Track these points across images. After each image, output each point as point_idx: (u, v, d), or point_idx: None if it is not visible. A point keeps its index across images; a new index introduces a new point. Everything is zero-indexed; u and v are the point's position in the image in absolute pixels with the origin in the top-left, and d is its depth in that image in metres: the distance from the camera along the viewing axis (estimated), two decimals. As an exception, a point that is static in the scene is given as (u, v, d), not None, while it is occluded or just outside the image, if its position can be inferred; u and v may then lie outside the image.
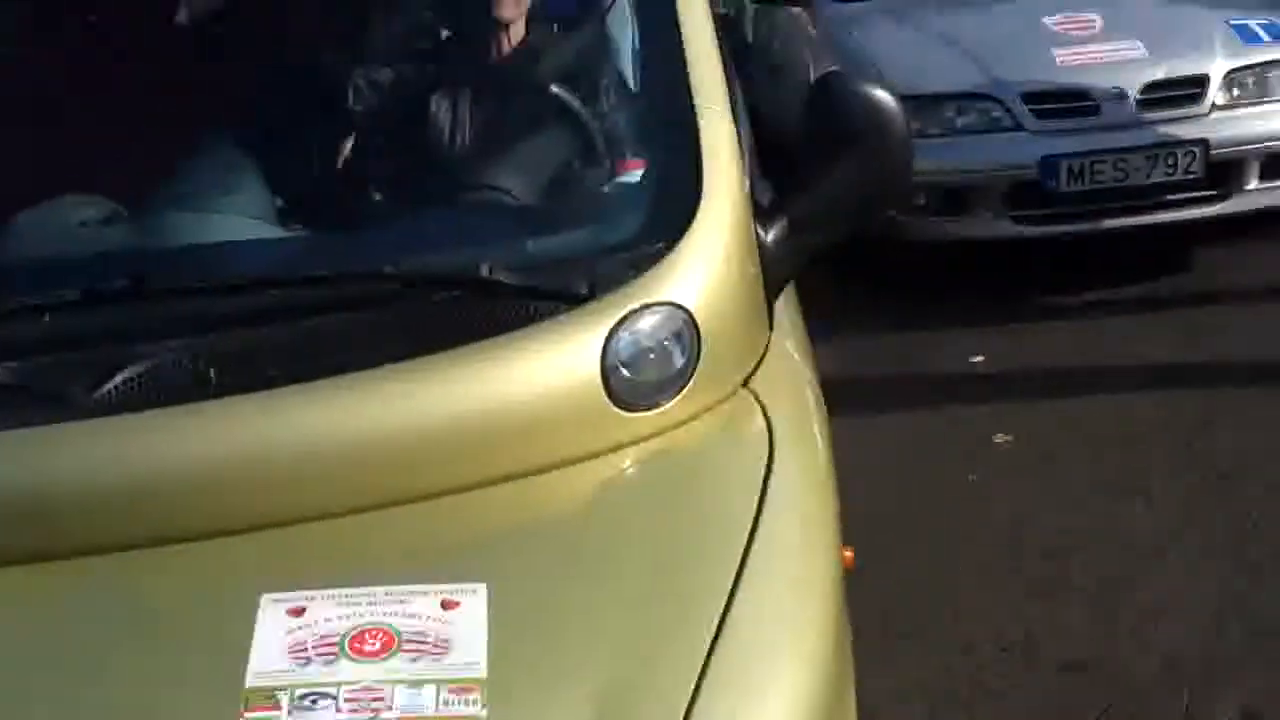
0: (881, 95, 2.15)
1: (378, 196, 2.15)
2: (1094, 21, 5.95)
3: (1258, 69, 5.73)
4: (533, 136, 2.18)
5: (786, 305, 2.31)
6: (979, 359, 5.22)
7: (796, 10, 6.92)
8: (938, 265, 5.96)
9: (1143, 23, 5.99)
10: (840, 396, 4.86)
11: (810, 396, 2.11)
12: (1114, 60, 5.69)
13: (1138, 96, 5.60)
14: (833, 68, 6.14)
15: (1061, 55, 5.73)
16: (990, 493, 4.18)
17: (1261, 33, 5.86)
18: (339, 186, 2.18)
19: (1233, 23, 5.91)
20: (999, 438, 4.52)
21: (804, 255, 2.21)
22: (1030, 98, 5.62)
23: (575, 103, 2.16)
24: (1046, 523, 3.97)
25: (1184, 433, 4.44)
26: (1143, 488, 4.13)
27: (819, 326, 5.58)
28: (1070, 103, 5.62)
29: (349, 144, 2.23)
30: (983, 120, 5.67)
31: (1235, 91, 5.69)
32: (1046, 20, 5.98)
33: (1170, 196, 5.64)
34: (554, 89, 2.24)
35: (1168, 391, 4.78)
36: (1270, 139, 5.67)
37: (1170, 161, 5.57)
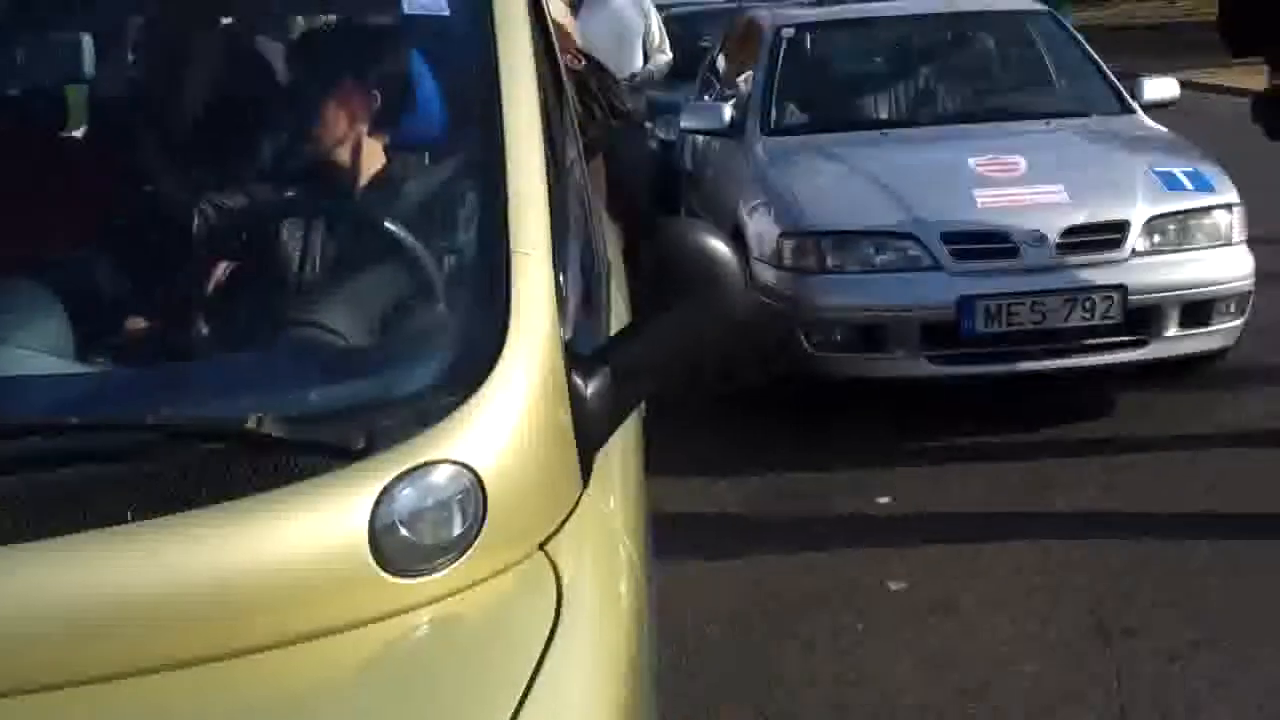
0: (715, 244, 2.07)
1: (169, 334, 2.04)
2: (1018, 164, 5.95)
3: (1179, 216, 5.73)
4: (344, 278, 2.08)
5: (619, 453, 2.21)
6: (886, 500, 5.12)
7: (731, 140, 6.93)
8: (856, 401, 5.89)
9: (1066, 167, 6.00)
10: (738, 534, 4.83)
11: (623, 558, 1.99)
12: (1035, 203, 5.68)
13: (1057, 240, 5.58)
14: (758, 201, 6.16)
15: (983, 196, 5.72)
16: (873, 644, 4.05)
17: (1185, 180, 5.87)
18: (137, 323, 2.08)
19: (1156, 170, 5.92)
20: (894, 584, 4.40)
21: (630, 406, 2.11)
22: (949, 238, 5.59)
23: (394, 243, 2.06)
24: (918, 684, 3.82)
25: (1093, 587, 4.33)
26: (1041, 642, 4.01)
27: (725, 461, 5.53)
28: (989, 244, 5.59)
29: (156, 276, 2.12)
30: (901, 258, 5.63)
31: (1156, 238, 5.67)
32: (972, 161, 5.99)
33: (1089, 341, 5.60)
34: (382, 226, 2.14)
35: (1080, 542, 4.67)
36: (1190, 286, 5.65)
37: (1088, 306, 5.53)
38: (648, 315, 2.08)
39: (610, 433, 2.06)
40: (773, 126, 6.79)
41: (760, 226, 6.03)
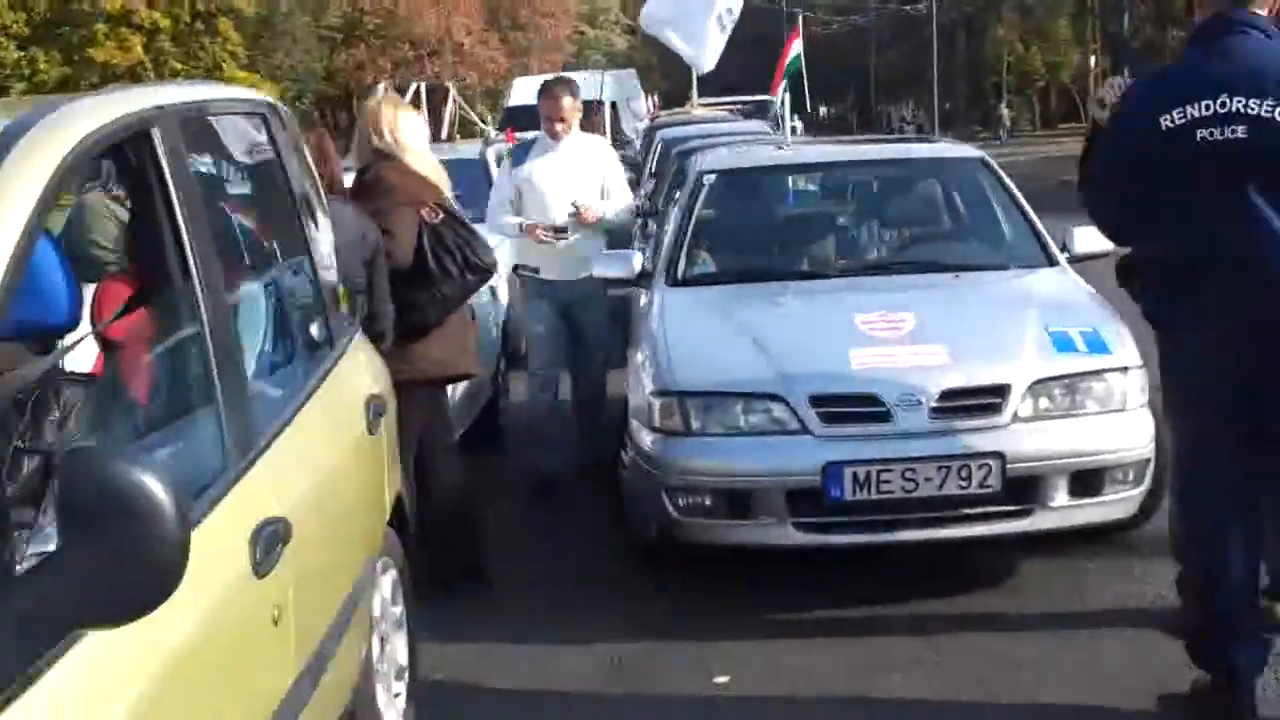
0: (136, 480, 1.90)
1: None
2: (904, 322, 5.72)
3: (1068, 380, 5.45)
4: None
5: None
6: (724, 679, 4.85)
7: (641, 290, 6.80)
8: (716, 568, 5.66)
9: (955, 326, 5.76)
10: (562, 715, 4.60)
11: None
12: (913, 365, 5.42)
13: (934, 404, 5.32)
14: (642, 357, 5.98)
15: (858, 357, 5.48)
16: None
17: (1078, 341, 5.58)
18: None
19: (1051, 329, 5.64)
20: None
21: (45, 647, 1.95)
22: (818, 400, 5.35)
23: None
24: None
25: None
26: None
27: (553, 633, 5.30)
28: (860, 407, 5.35)
29: None
30: (768, 421, 5.40)
31: (1041, 403, 5.39)
32: (859, 317, 5.77)
33: (968, 510, 5.32)
34: None
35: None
36: (1077, 455, 5.35)
37: (964, 474, 5.25)
38: (59, 548, 1.93)
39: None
40: (679, 277, 6.63)
41: (637, 385, 5.86)
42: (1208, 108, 3.94)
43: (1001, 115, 59.89)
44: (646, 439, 5.58)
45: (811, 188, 7.25)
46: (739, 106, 27.93)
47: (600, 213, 7.21)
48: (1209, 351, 4.09)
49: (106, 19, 28.70)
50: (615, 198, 7.41)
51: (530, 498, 7.17)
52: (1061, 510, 5.36)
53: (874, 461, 5.24)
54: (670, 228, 6.97)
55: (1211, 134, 3.94)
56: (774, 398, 5.39)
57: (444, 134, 13.82)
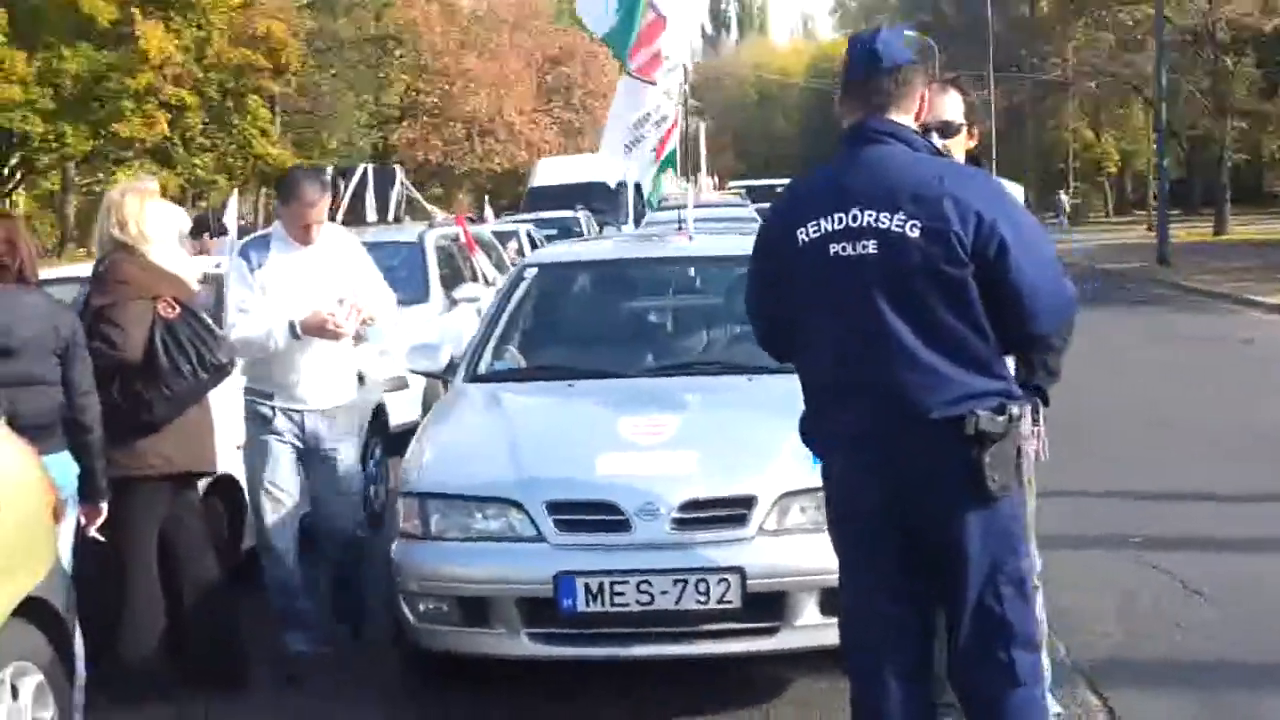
0: None
1: None
2: (665, 427, 5.54)
3: (818, 493, 5.22)
4: None
5: None
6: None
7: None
8: (454, 678, 5.47)
9: (716, 432, 5.58)
10: None
11: None
12: (658, 472, 5.23)
13: (675, 515, 5.12)
14: (408, 456, 5.83)
15: (605, 463, 5.30)
16: None
17: (844, 452, 5.36)
18: None
19: (818, 439, 5.43)
20: None
21: None
22: (556, 507, 5.17)
23: None
24: None
25: None
26: None
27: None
28: (598, 515, 5.16)
29: None
30: (504, 527, 5.22)
31: (792, 516, 5.18)
32: (625, 421, 5.60)
33: (707, 627, 5.11)
34: None
35: None
36: (829, 571, 5.08)
37: (702, 588, 5.04)
38: None
39: None
40: (478, 372, 6.48)
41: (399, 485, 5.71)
42: (839, 220, 3.74)
43: (1061, 202, 59.38)
44: (391, 544, 5.42)
45: (632, 284, 7.08)
46: (744, 190, 27.98)
47: (370, 313, 6.04)
48: (849, 475, 3.89)
49: (133, 95, 29.12)
50: (375, 296, 6.15)
51: (279, 686, 5.78)
52: (811, 629, 5.13)
53: (608, 573, 5.05)
54: (482, 320, 6.83)
55: (844, 249, 3.74)
56: (512, 503, 5.22)
57: (390, 215, 13.80)
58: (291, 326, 5.79)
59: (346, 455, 6.12)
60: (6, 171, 32.70)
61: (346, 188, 13.73)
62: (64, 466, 4.85)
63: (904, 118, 3.86)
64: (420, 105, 49.55)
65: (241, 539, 6.61)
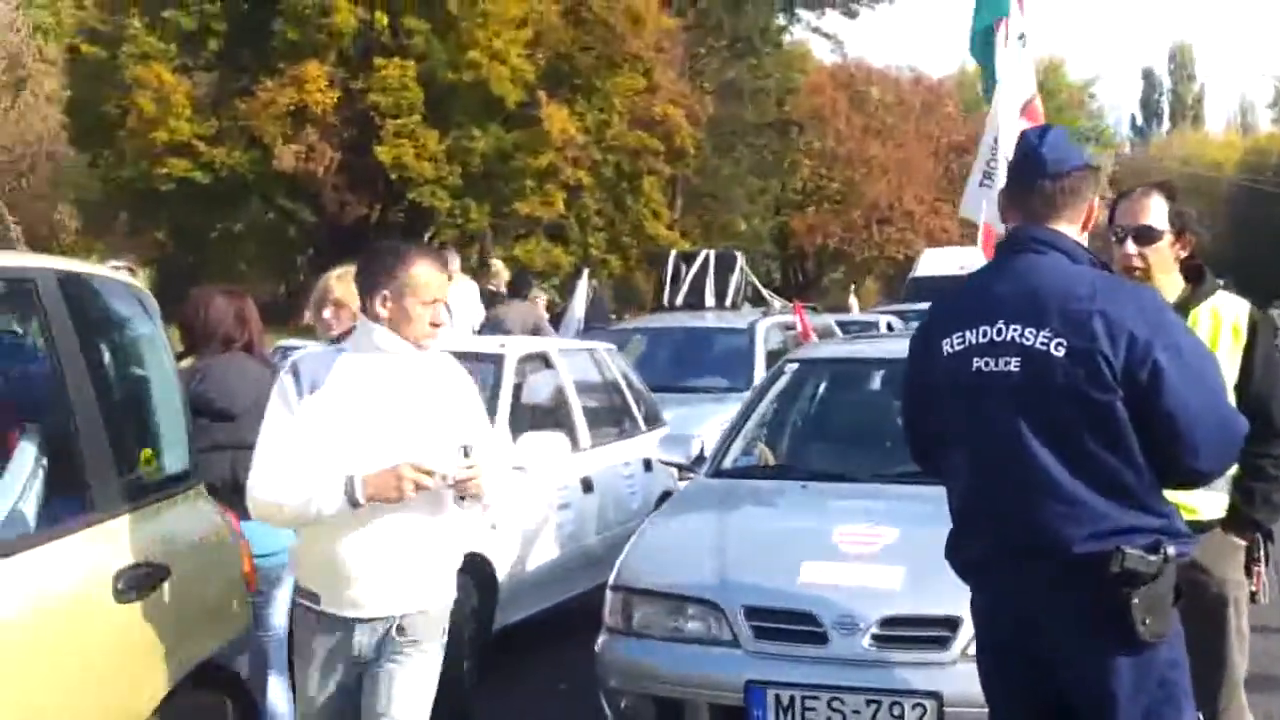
0: None
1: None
2: (880, 538, 5.34)
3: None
4: None
5: None
6: None
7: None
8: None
9: (933, 547, 5.29)
10: None
11: None
12: (861, 585, 5.05)
13: (876, 631, 4.93)
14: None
15: (810, 571, 5.15)
16: None
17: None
18: None
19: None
20: None
21: None
22: (754, 613, 5.06)
23: None
24: None
25: None
26: None
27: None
28: (796, 625, 5.02)
29: None
30: (701, 629, 5.15)
31: (999, 642, 4.88)
32: (840, 529, 5.43)
33: (902, 752, 4.87)
34: None
35: None
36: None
37: (896, 712, 4.83)
38: None
39: None
40: (721, 466, 6.42)
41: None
42: (984, 334, 3.49)
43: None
44: (599, 636, 5.43)
45: (894, 382, 6.85)
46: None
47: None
48: (983, 608, 3.64)
49: (535, 174, 30.54)
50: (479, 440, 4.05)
51: None
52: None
53: (799, 686, 4.91)
54: (736, 414, 6.78)
55: (988, 364, 3.49)
56: (712, 605, 5.14)
57: (728, 301, 13.91)
58: (349, 487, 3.83)
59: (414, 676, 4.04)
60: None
61: (688, 273, 13.96)
62: (274, 533, 5.02)
63: (1068, 227, 3.58)
64: (823, 191, 49.88)
65: (493, 620, 6.68)
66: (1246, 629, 4.42)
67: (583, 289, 14.23)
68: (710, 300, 13.89)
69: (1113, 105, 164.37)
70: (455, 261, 12.46)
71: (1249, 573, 4.50)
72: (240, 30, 29.42)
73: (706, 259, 14.19)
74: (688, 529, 5.83)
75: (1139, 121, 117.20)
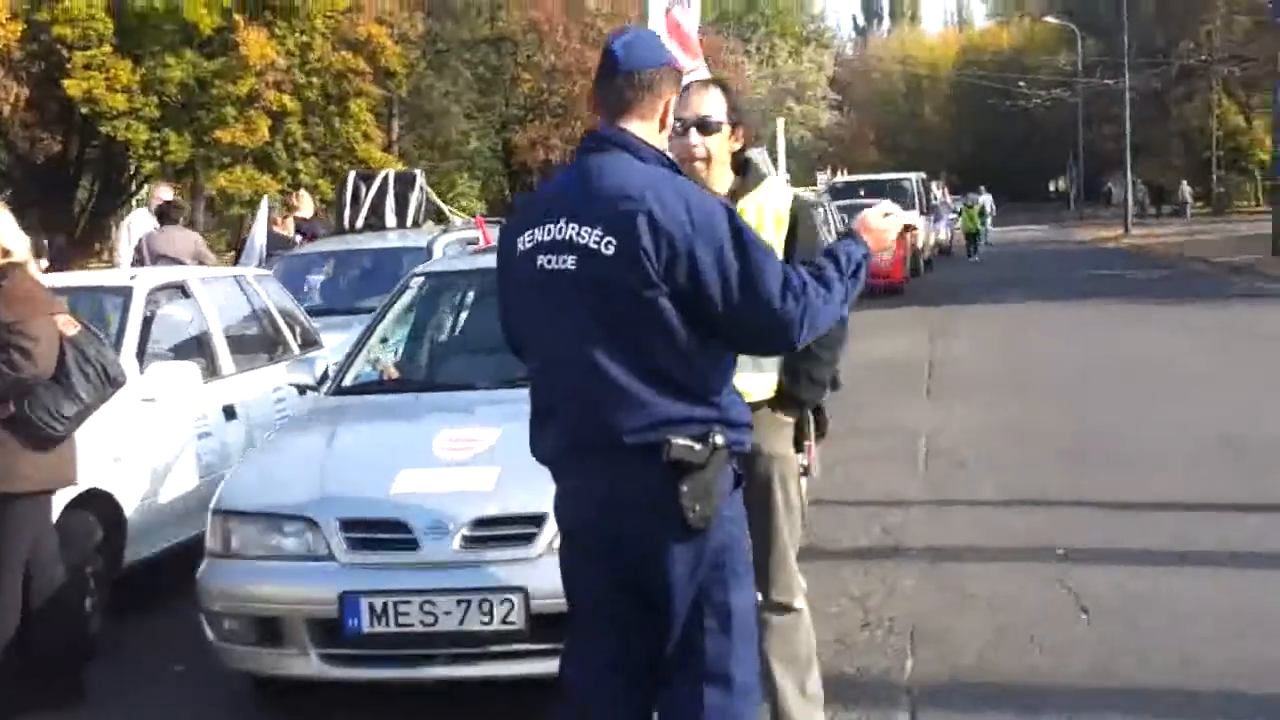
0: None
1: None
2: (478, 442, 5.44)
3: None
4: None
5: None
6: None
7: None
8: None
9: (525, 447, 5.43)
10: None
11: None
12: (453, 490, 5.16)
13: (466, 533, 5.05)
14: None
15: (403, 480, 5.23)
16: None
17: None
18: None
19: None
20: None
21: None
22: (349, 525, 5.13)
23: None
24: None
25: None
26: None
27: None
28: (388, 534, 5.10)
29: None
30: (299, 546, 5.19)
31: (585, 535, 5.04)
32: (445, 434, 5.52)
33: (494, 648, 5.01)
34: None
35: None
36: (621, 591, 4.98)
37: (486, 609, 4.96)
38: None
39: None
40: (342, 384, 6.44)
41: (213, 502, 5.69)
42: (548, 231, 3.55)
43: (1183, 193, 57.76)
44: (201, 563, 5.43)
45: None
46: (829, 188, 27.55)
47: None
48: (559, 499, 3.75)
49: (235, 102, 29.64)
50: None
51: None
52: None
53: (391, 592, 4.99)
54: (361, 331, 6.79)
55: (549, 261, 3.55)
56: (308, 521, 5.18)
57: (409, 220, 13.83)
58: None
59: None
60: (124, 180, 33.66)
61: (368, 194, 13.82)
62: None
63: (641, 125, 3.65)
64: (545, 105, 49.68)
65: (121, 555, 6.62)
66: (797, 502, 4.65)
67: (263, 217, 13.98)
68: (391, 220, 13.80)
69: (834, 8, 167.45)
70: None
71: (800, 447, 4.76)
72: (-93, -38, 27.74)
73: (385, 179, 14.07)
74: (294, 448, 5.84)
75: (860, 21, 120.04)
